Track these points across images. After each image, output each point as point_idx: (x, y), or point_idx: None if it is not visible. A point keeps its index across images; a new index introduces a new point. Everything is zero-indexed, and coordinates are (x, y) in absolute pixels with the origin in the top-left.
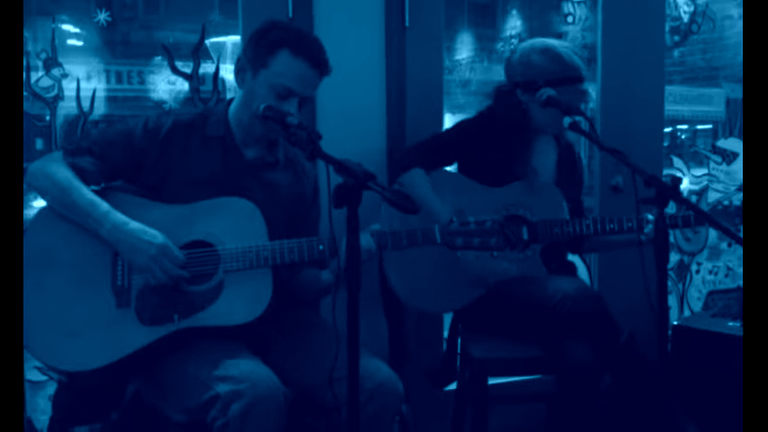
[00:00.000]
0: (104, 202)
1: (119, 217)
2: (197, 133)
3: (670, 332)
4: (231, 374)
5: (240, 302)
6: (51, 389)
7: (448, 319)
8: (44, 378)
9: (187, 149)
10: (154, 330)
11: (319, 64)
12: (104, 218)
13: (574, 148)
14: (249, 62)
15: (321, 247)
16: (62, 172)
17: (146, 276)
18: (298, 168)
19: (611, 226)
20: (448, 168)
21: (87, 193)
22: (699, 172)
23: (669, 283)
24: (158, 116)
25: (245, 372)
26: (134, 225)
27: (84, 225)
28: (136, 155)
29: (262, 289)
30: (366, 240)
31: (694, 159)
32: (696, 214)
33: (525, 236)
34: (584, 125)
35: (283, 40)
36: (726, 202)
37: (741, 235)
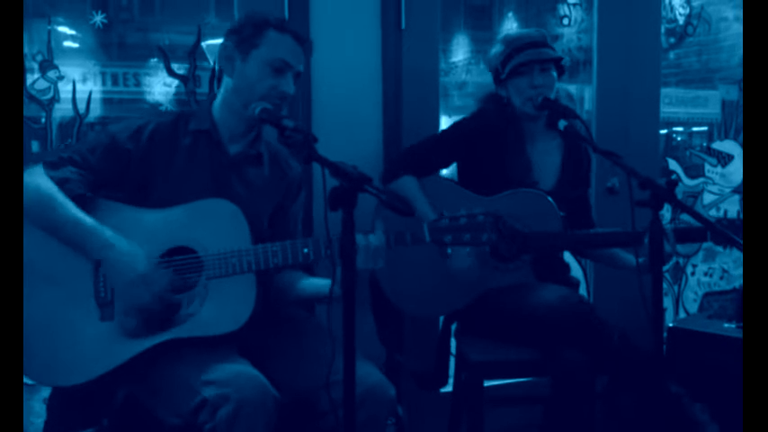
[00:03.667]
0: (88, 217)
1: (102, 237)
2: (182, 131)
3: (666, 334)
4: (218, 378)
5: (224, 311)
6: (46, 392)
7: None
8: None
9: (172, 146)
10: (138, 343)
11: (303, 40)
12: (90, 236)
13: (582, 146)
14: (236, 48)
15: (306, 250)
16: (44, 186)
17: (126, 300)
18: (282, 163)
19: (605, 239)
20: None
21: (71, 209)
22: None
23: (664, 285)
24: (140, 119)
25: (232, 375)
26: (118, 247)
27: (67, 243)
28: (121, 157)
29: (245, 297)
30: (366, 238)
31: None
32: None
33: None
34: (581, 127)
35: (266, 22)
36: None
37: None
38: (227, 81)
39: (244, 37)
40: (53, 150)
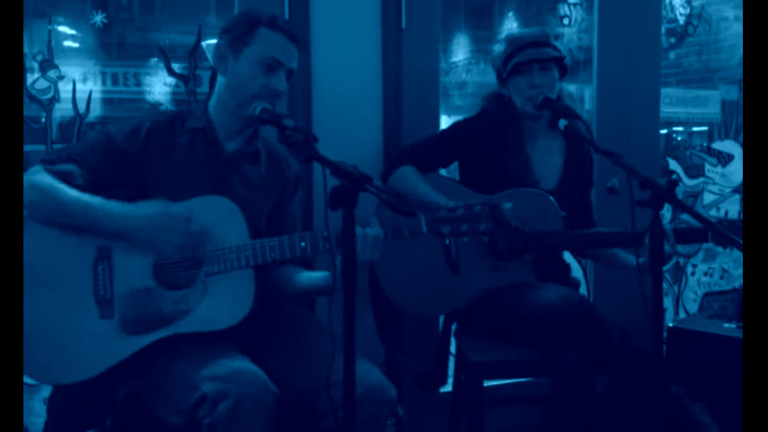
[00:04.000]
0: (94, 197)
1: (115, 211)
2: (178, 129)
3: (666, 334)
4: (218, 374)
5: (223, 306)
6: (46, 392)
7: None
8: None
9: (169, 145)
10: (138, 340)
11: (295, 38)
12: (102, 213)
13: (584, 146)
14: (229, 47)
15: (303, 243)
16: (46, 179)
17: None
18: (281, 161)
19: (605, 239)
20: (442, 172)
21: (77, 194)
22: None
23: (665, 285)
24: (136, 119)
25: (232, 371)
26: (131, 214)
27: (79, 227)
28: (119, 156)
29: (244, 292)
30: (363, 228)
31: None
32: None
33: (517, 248)
34: (582, 127)
35: (259, 20)
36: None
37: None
38: (221, 80)
39: (236, 35)
40: (52, 151)
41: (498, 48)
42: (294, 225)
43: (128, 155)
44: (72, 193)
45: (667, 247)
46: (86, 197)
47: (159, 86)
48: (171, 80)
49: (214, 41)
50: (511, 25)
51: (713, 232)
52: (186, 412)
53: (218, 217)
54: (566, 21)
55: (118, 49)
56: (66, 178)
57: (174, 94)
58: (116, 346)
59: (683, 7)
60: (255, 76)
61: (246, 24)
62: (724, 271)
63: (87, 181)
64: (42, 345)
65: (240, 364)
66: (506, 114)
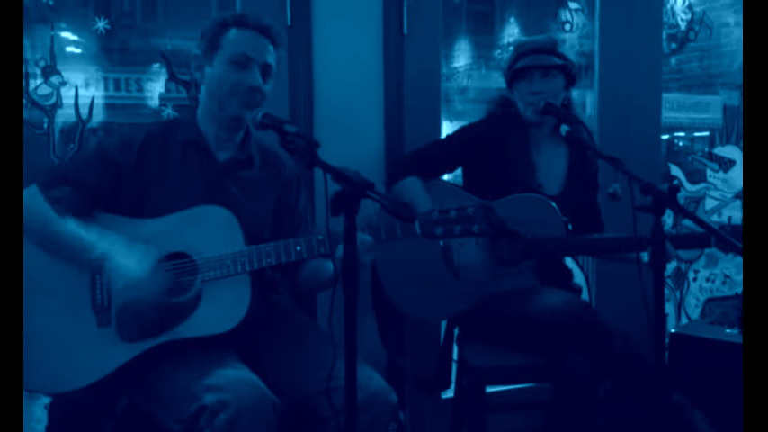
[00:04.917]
0: (83, 230)
1: (97, 251)
2: (170, 141)
3: (667, 340)
4: (217, 384)
5: (219, 311)
6: (47, 398)
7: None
8: None
9: (163, 157)
10: (135, 346)
11: (266, 30)
12: (86, 250)
13: (587, 151)
14: (204, 55)
15: (298, 248)
16: (38, 206)
17: (125, 304)
18: (277, 162)
19: (606, 245)
20: (445, 178)
21: (64, 225)
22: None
23: (666, 291)
24: (130, 131)
25: (232, 381)
26: (113, 257)
27: (64, 258)
28: (113, 170)
29: (240, 296)
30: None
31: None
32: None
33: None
34: (584, 133)
35: (227, 23)
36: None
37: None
38: (202, 89)
39: (208, 41)
40: (48, 171)
41: (508, 54)
42: (306, 225)
43: (120, 167)
44: (61, 224)
45: (670, 249)
46: (74, 231)
47: (161, 92)
48: (173, 85)
49: None
50: (512, 31)
51: (715, 237)
52: (186, 422)
53: (215, 225)
54: (567, 26)
55: (120, 54)
56: (60, 204)
57: (176, 99)
58: (113, 354)
59: (685, 13)
60: (229, 75)
61: (215, 28)
62: (726, 276)
63: (84, 199)
64: (41, 354)
65: (240, 374)
66: (511, 119)
